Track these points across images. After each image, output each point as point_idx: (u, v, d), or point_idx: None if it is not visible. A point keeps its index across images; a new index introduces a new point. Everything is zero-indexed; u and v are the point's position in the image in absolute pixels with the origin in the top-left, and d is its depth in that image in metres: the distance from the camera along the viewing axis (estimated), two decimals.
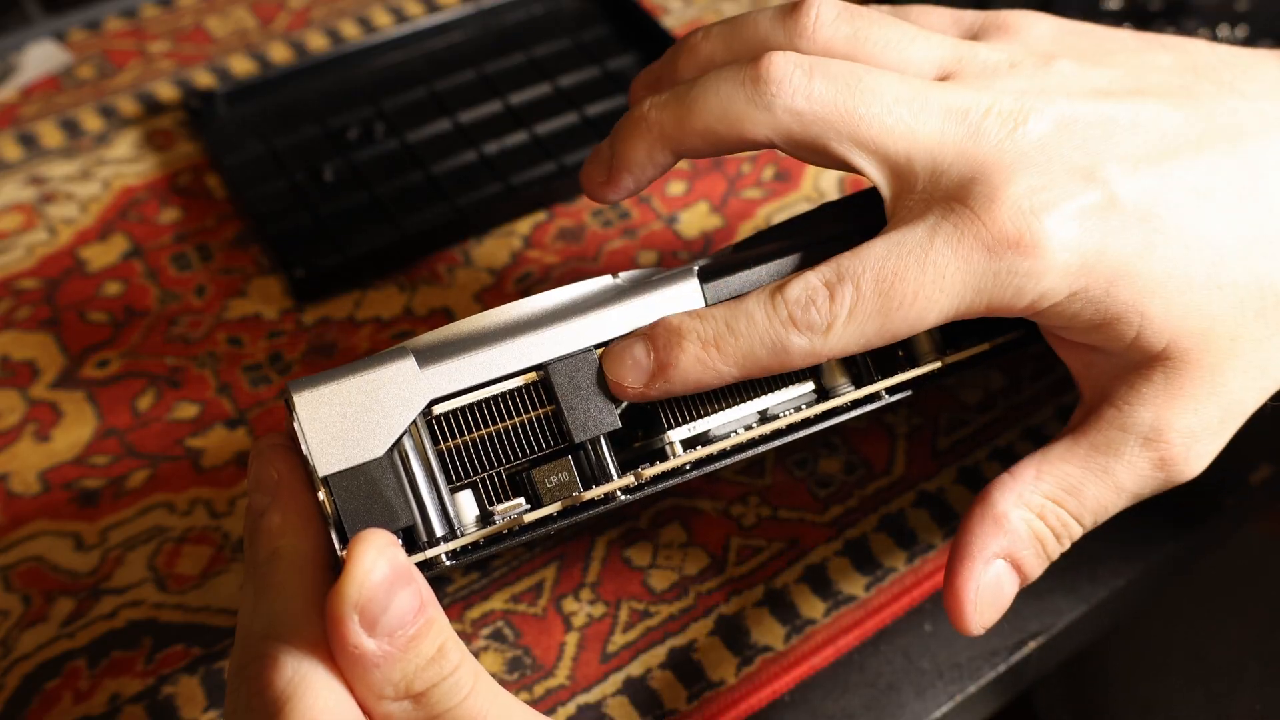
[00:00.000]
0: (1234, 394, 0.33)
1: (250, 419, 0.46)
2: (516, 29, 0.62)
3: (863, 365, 0.34)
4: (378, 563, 0.26)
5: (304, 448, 0.30)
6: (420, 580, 0.27)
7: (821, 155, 0.33)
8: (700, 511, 0.43)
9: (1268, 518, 0.46)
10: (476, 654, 0.39)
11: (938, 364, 0.34)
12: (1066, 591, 0.41)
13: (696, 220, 0.53)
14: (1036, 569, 0.34)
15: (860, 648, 0.40)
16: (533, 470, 0.31)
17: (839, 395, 0.33)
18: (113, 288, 0.51)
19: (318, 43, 0.63)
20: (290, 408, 0.30)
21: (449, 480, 0.31)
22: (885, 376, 0.34)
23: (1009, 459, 0.44)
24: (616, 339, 0.32)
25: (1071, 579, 0.41)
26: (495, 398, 0.31)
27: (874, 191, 0.34)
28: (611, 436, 0.32)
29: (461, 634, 0.40)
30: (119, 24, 0.64)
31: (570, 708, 0.38)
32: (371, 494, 0.30)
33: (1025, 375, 0.47)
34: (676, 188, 0.54)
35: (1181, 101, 0.34)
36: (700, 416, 0.33)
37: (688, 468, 0.32)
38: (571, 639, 0.40)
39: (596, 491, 0.31)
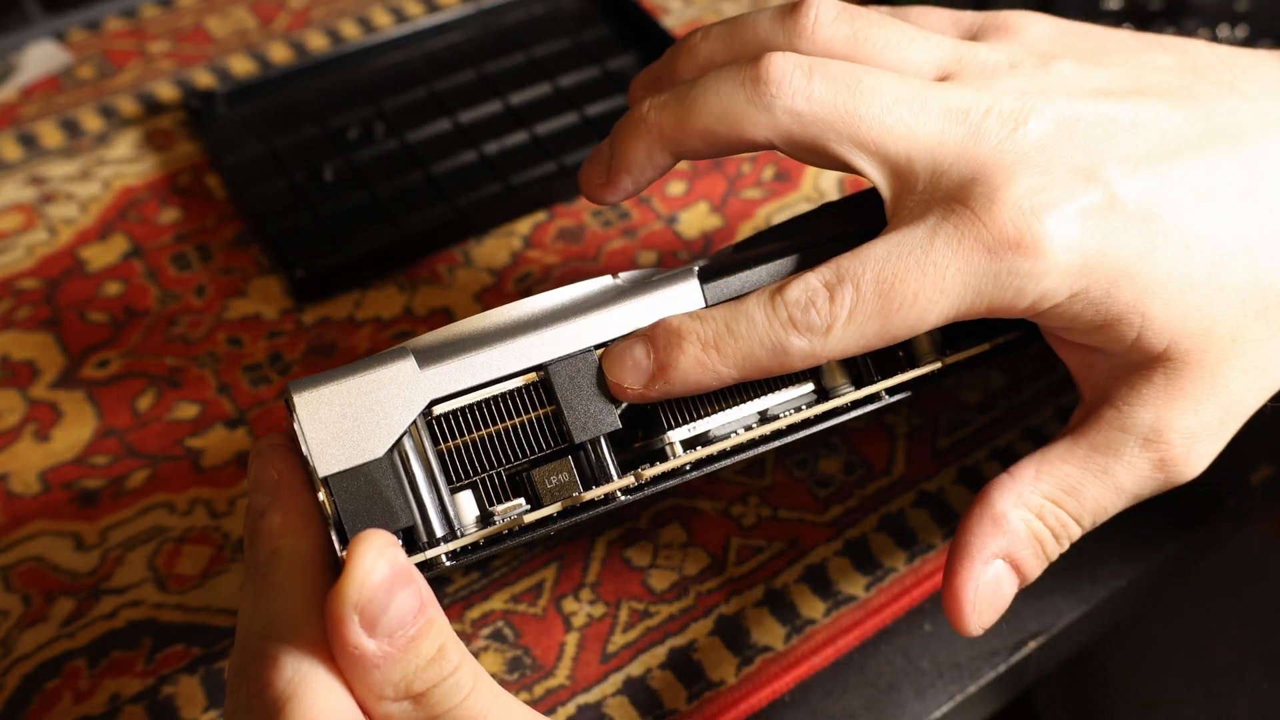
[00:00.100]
0: (1235, 394, 0.33)
1: (250, 419, 0.46)
2: (516, 29, 0.62)
3: (863, 366, 0.34)
4: (378, 563, 0.26)
5: (304, 448, 0.30)
6: (420, 581, 0.27)
7: (821, 156, 0.33)
8: (700, 511, 0.43)
9: (1268, 518, 0.46)
10: (476, 654, 0.39)
11: (938, 364, 0.34)
12: (1066, 591, 0.41)
13: (696, 220, 0.53)
14: (1035, 569, 0.34)
15: (860, 648, 0.40)
16: (533, 471, 0.31)
17: (839, 396, 0.33)
18: (113, 288, 0.51)
19: (318, 43, 0.63)
20: (290, 408, 0.30)
21: (449, 481, 0.31)
22: (885, 377, 0.34)
23: (1009, 459, 0.44)
24: (616, 340, 0.32)
25: (1071, 579, 0.41)
26: (495, 398, 0.31)
27: (874, 192, 0.34)
28: (611, 437, 0.32)
29: (461, 634, 0.40)
30: (119, 24, 0.64)
31: (570, 708, 0.38)
32: (371, 494, 0.30)
33: (1025, 375, 0.47)
34: (676, 188, 0.54)
35: (1181, 101, 0.33)
36: (700, 417, 0.33)
37: (688, 468, 0.32)
38: (571, 639, 0.40)
39: (596, 492, 0.31)
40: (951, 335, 0.35)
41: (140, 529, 0.43)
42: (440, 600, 0.31)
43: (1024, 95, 0.33)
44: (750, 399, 0.33)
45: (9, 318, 0.50)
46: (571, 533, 0.42)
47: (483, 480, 0.31)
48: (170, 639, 0.40)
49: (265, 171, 0.54)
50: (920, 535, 0.42)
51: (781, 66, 0.32)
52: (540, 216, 0.53)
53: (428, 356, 0.31)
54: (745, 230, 0.52)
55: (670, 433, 0.32)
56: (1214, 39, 0.57)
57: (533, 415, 0.32)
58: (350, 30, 0.63)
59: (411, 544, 0.30)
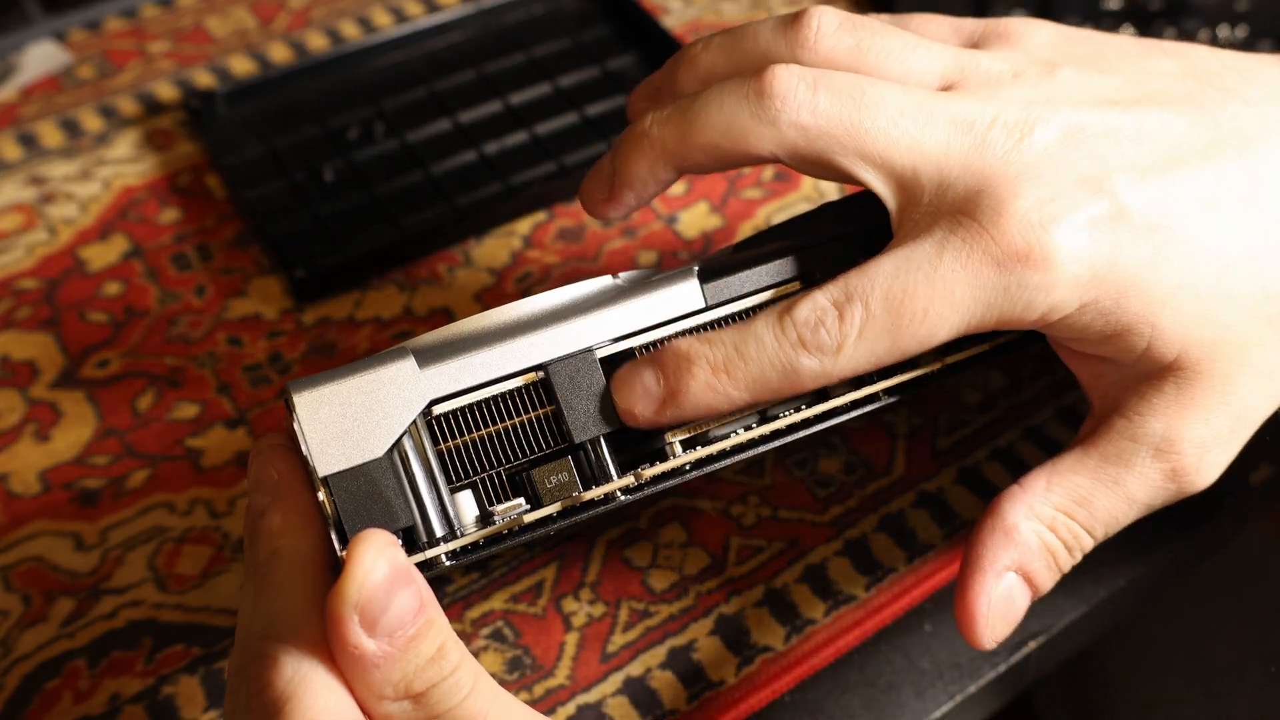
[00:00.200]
0: (1245, 402, 0.33)
1: (250, 419, 0.46)
2: (516, 29, 0.62)
3: None
4: (378, 563, 0.26)
5: (304, 448, 0.30)
6: (420, 580, 0.27)
7: (826, 169, 0.33)
8: (700, 511, 0.43)
9: (1268, 518, 0.46)
10: (476, 654, 0.39)
11: (937, 365, 0.34)
12: (1066, 592, 0.41)
13: (696, 220, 0.53)
14: (1048, 581, 0.33)
15: (860, 648, 0.40)
16: (533, 470, 0.31)
17: (838, 396, 0.33)
18: (113, 288, 0.51)
19: (318, 43, 0.63)
20: (290, 408, 0.30)
21: (449, 480, 0.31)
22: (885, 377, 0.34)
23: (1009, 459, 0.44)
24: (624, 366, 0.32)
25: (1072, 579, 0.41)
26: (495, 398, 0.31)
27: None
28: (611, 437, 0.32)
29: (461, 634, 0.40)
30: (119, 24, 0.64)
31: (570, 708, 0.38)
32: (371, 494, 0.30)
33: (1025, 375, 0.47)
34: (676, 188, 0.54)
35: (1185, 109, 0.33)
36: None
37: (687, 468, 0.32)
38: (571, 639, 0.40)
39: (596, 492, 0.31)
40: None
41: (140, 529, 0.43)
42: (440, 600, 0.31)
43: (1028, 105, 0.32)
44: None
45: (9, 318, 0.50)
46: (571, 532, 0.42)
47: (483, 480, 0.31)
48: (170, 639, 0.40)
49: (265, 171, 0.54)
50: (920, 535, 0.42)
51: (785, 80, 0.32)
52: (540, 216, 0.53)
53: (428, 356, 0.31)
54: (745, 230, 0.52)
55: (670, 433, 0.32)
56: (1214, 39, 0.57)
57: (532, 415, 0.32)
58: (350, 30, 0.63)
59: (411, 544, 0.30)
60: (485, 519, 0.31)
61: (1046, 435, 0.45)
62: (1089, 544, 0.34)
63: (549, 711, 0.38)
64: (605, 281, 0.34)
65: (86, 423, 0.46)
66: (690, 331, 0.33)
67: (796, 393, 0.32)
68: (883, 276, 0.31)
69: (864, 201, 0.35)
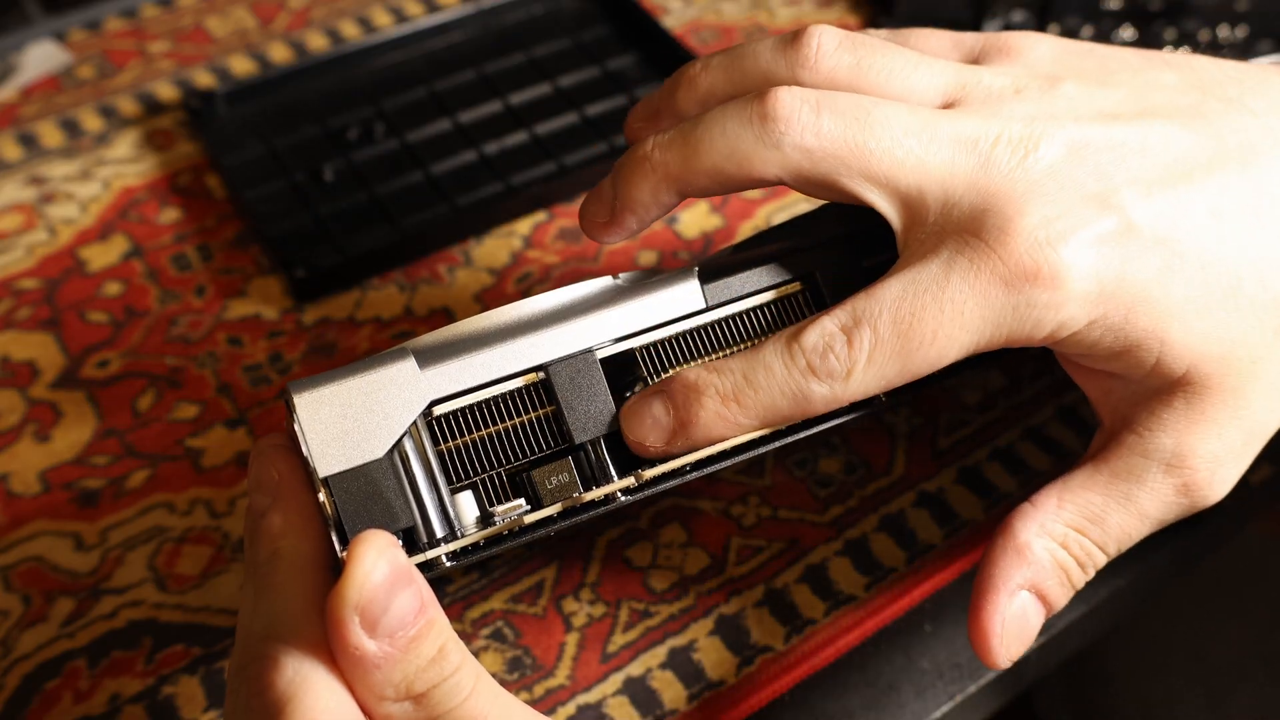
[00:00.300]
0: (1256, 415, 0.32)
1: (250, 419, 0.46)
2: (516, 29, 0.62)
3: None
4: (378, 564, 0.26)
5: (304, 449, 0.30)
6: (421, 581, 0.27)
7: (831, 190, 0.33)
8: (700, 511, 0.43)
9: (1268, 518, 0.46)
10: (476, 654, 0.39)
11: None
12: None
13: (696, 220, 0.53)
14: (1061, 599, 0.33)
15: (860, 648, 0.40)
16: (533, 471, 0.31)
17: None
18: (113, 288, 0.51)
19: (318, 43, 0.63)
20: (290, 409, 0.30)
21: (449, 481, 0.31)
22: None
23: (1009, 459, 0.44)
24: (631, 398, 0.32)
25: None
26: (496, 399, 0.31)
27: None
28: (611, 437, 0.32)
29: (461, 634, 0.40)
30: (119, 24, 0.64)
31: (570, 708, 0.38)
32: (372, 495, 0.30)
33: (1025, 375, 0.47)
34: None
35: (1189, 121, 0.33)
36: None
37: (688, 469, 0.32)
38: (571, 639, 0.40)
39: (597, 493, 0.31)
40: None
41: (140, 529, 0.43)
42: (440, 600, 0.31)
43: (1032, 121, 0.32)
44: None
45: (9, 318, 0.50)
46: (571, 533, 0.42)
47: (483, 481, 0.31)
48: (170, 639, 0.40)
49: (265, 171, 0.54)
50: (920, 535, 0.42)
51: (788, 102, 0.32)
52: (540, 216, 0.53)
53: (428, 357, 0.31)
54: (745, 230, 0.52)
55: None
56: (1214, 39, 0.57)
57: (533, 416, 0.32)
58: (350, 30, 0.63)
59: (412, 544, 0.30)
60: (486, 520, 0.31)
61: (1046, 435, 0.45)
62: (1102, 560, 0.33)
63: (549, 711, 0.38)
64: (605, 282, 0.34)
65: (86, 423, 0.46)
66: (690, 332, 0.33)
67: (807, 418, 0.32)
68: (890, 299, 0.31)
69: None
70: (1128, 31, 0.58)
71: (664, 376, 0.32)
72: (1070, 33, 0.58)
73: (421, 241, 0.51)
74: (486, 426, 0.31)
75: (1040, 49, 0.35)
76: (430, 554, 0.30)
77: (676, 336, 0.33)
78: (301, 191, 0.53)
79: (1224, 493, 0.33)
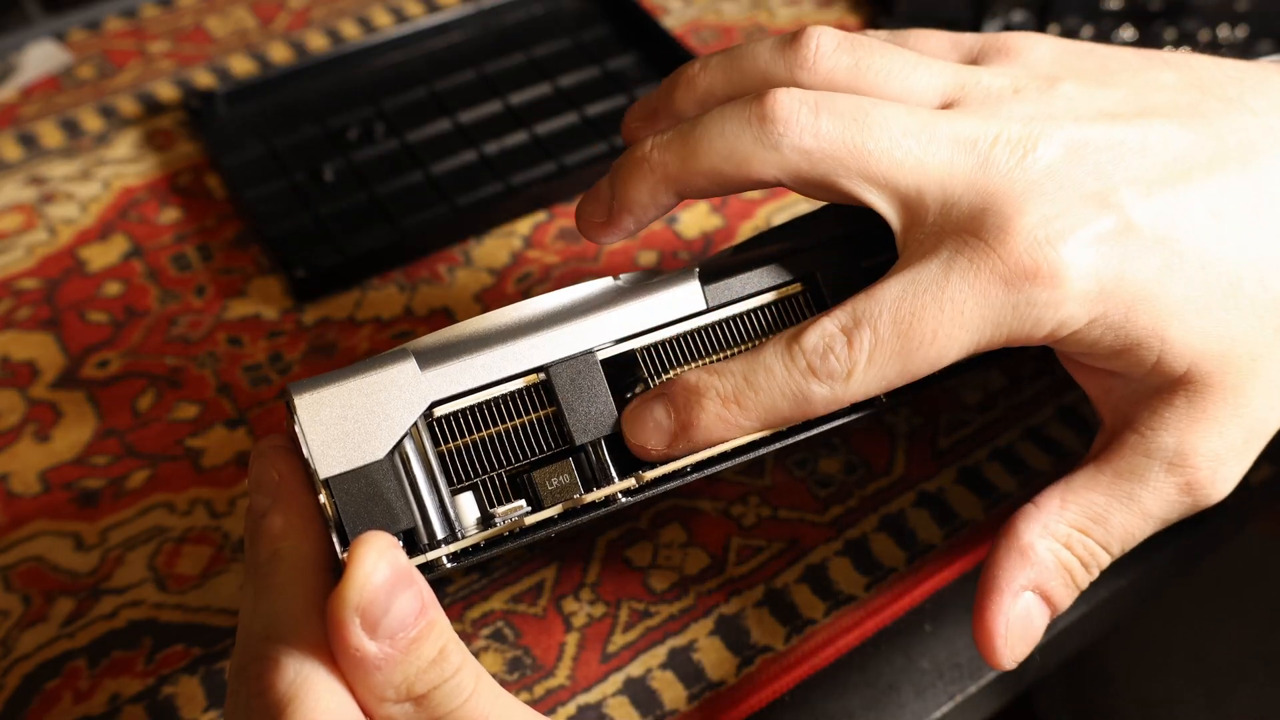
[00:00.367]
0: (1258, 414, 0.32)
1: (250, 419, 0.46)
2: (516, 29, 0.62)
3: None
4: (379, 565, 0.26)
5: (305, 450, 0.30)
6: (421, 582, 0.27)
7: (830, 191, 0.33)
8: (700, 511, 0.43)
9: (1268, 518, 0.46)
10: (477, 654, 0.39)
11: None
12: None
13: (696, 220, 0.53)
14: (1066, 600, 0.33)
15: (860, 648, 0.40)
16: (534, 472, 0.31)
17: None
18: (113, 288, 0.51)
19: (318, 43, 0.63)
20: (291, 410, 0.30)
21: (450, 482, 0.31)
22: None
23: (1009, 459, 0.44)
24: (632, 402, 0.32)
25: None
26: (496, 400, 0.31)
27: None
28: (612, 438, 0.32)
29: (462, 634, 0.40)
30: (119, 24, 0.64)
31: (570, 708, 0.38)
32: (372, 496, 0.30)
33: (1025, 375, 0.47)
34: None
35: (1189, 120, 0.33)
36: None
37: (689, 470, 0.32)
38: (571, 639, 0.40)
39: (597, 494, 0.31)
40: None
41: (140, 529, 0.43)
42: (440, 600, 0.31)
43: (1031, 121, 0.32)
44: None
45: (9, 318, 0.50)
46: (572, 534, 0.42)
47: (484, 482, 0.31)
48: (170, 639, 0.40)
49: (265, 171, 0.54)
50: (920, 535, 0.42)
51: (787, 103, 0.32)
52: (540, 216, 0.53)
53: (429, 358, 0.31)
54: (745, 230, 0.52)
55: None
56: (1214, 39, 0.57)
57: (533, 417, 0.32)
58: (350, 30, 0.63)
59: (412, 546, 0.30)
60: (486, 521, 0.31)
61: (1046, 435, 0.45)
62: (1106, 561, 0.33)
63: (549, 712, 0.38)
64: (606, 283, 0.34)
65: (86, 423, 0.46)
66: (691, 333, 0.33)
67: (808, 419, 0.32)
68: (890, 300, 0.31)
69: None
70: (1128, 31, 0.58)
71: (664, 379, 0.32)
72: (1070, 33, 0.58)
73: (421, 241, 0.51)
74: (487, 428, 0.31)
75: (1039, 49, 0.35)
76: (431, 555, 0.30)
77: (677, 337, 0.33)
78: (301, 191, 0.53)
79: (1226, 491, 0.33)
